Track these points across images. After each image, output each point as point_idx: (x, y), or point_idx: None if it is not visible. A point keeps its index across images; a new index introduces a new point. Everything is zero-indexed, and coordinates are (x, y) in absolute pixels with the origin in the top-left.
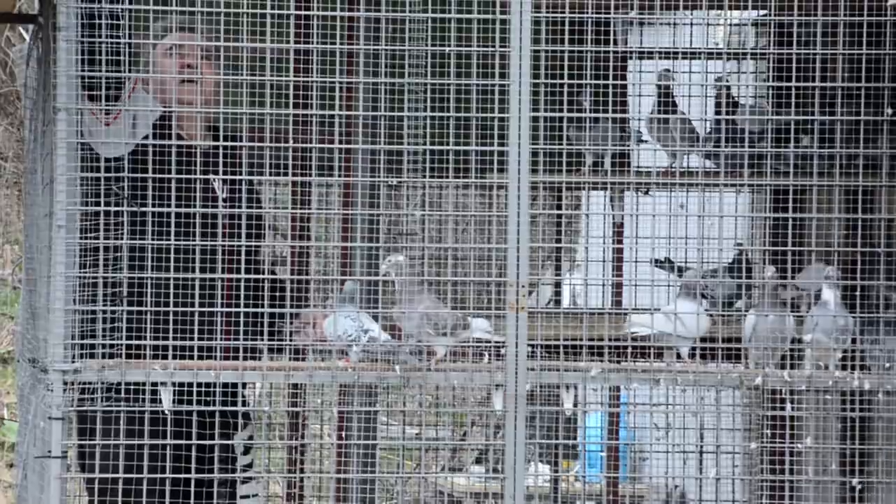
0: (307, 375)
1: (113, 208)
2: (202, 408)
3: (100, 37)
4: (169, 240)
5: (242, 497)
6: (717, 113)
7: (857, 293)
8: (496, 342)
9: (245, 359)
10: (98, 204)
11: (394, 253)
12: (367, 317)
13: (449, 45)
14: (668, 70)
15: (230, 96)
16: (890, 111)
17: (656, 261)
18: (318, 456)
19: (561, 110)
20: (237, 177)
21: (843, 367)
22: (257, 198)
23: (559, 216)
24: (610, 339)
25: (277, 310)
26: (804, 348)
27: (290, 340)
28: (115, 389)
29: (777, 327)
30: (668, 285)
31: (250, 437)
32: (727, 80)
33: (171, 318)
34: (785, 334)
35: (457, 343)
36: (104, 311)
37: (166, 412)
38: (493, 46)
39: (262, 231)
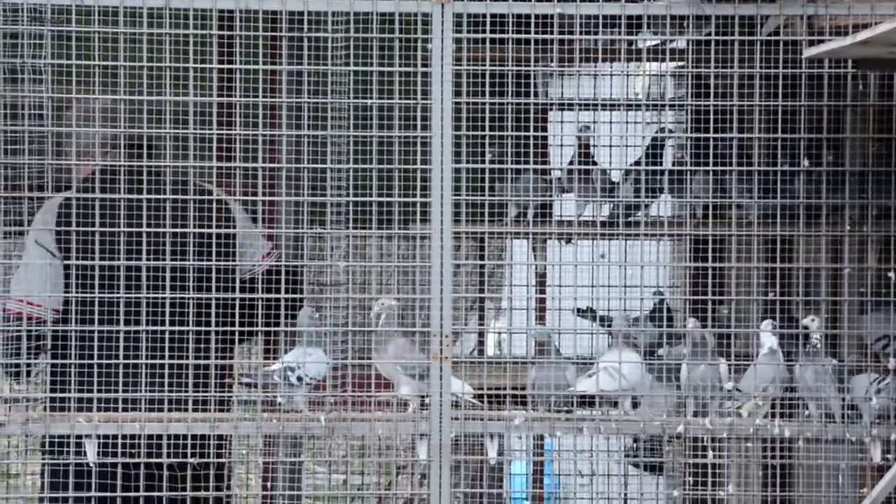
0: (232, 426)
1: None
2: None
3: (22, 91)
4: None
5: None
6: (638, 163)
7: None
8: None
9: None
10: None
11: (386, 296)
12: (306, 352)
13: (371, 98)
14: (587, 126)
15: (154, 148)
16: (806, 162)
17: (579, 310)
18: None
19: (483, 161)
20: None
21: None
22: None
23: (482, 266)
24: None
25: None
26: (747, 397)
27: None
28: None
29: (709, 375)
30: (592, 333)
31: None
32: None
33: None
34: (716, 382)
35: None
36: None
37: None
38: (415, 99)
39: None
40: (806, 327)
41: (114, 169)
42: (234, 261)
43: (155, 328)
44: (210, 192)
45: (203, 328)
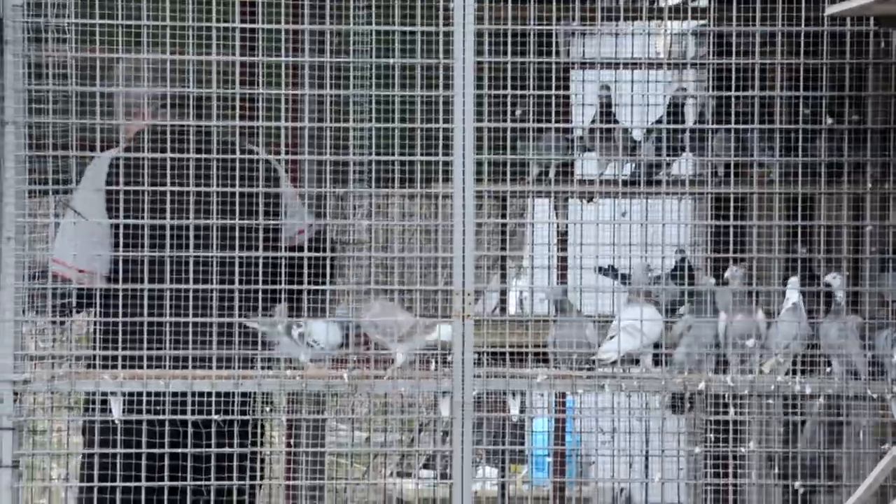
0: (256, 384)
1: (60, 220)
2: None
3: (47, 51)
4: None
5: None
6: (660, 121)
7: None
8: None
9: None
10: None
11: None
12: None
13: (393, 57)
14: (607, 86)
15: (177, 108)
16: (829, 120)
17: (600, 268)
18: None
19: (504, 120)
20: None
21: (787, 372)
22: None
23: (504, 225)
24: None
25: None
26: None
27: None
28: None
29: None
30: (613, 292)
31: None
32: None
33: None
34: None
35: (413, 349)
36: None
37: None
38: (437, 58)
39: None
40: (828, 285)
41: (159, 129)
42: (280, 224)
43: (198, 286)
44: (253, 153)
45: (245, 286)
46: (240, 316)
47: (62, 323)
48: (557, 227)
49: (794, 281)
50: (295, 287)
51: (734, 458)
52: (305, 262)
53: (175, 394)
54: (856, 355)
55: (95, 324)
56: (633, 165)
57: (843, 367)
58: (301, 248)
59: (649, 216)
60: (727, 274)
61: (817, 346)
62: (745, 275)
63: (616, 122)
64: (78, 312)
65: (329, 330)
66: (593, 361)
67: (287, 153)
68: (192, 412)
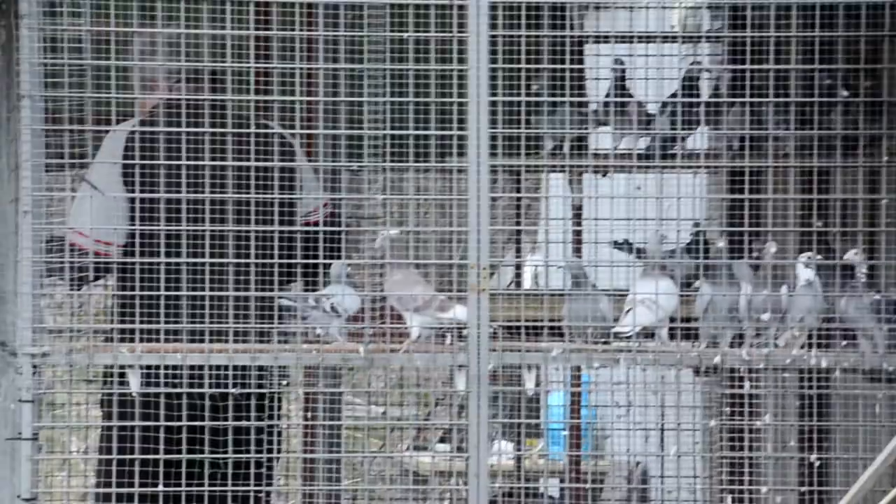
0: (273, 357)
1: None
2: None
3: (61, 24)
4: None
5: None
6: (674, 95)
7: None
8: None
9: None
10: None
11: (390, 228)
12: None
13: (407, 31)
14: (621, 59)
15: (192, 82)
16: (844, 93)
17: (615, 243)
18: (286, 436)
19: (519, 95)
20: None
21: (802, 346)
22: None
23: (519, 199)
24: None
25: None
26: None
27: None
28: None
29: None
30: (628, 266)
31: None
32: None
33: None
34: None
35: (425, 324)
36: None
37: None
38: (452, 32)
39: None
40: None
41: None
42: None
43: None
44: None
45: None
46: (257, 290)
47: (80, 296)
48: (572, 201)
49: (807, 256)
50: (311, 261)
51: (749, 431)
52: (321, 238)
53: (192, 367)
54: (876, 330)
55: (113, 297)
56: (648, 139)
57: (869, 343)
58: (317, 225)
59: (664, 190)
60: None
61: (832, 321)
62: (776, 253)
63: (631, 96)
64: (95, 285)
65: (351, 295)
66: (609, 335)
67: (302, 128)
68: (210, 385)
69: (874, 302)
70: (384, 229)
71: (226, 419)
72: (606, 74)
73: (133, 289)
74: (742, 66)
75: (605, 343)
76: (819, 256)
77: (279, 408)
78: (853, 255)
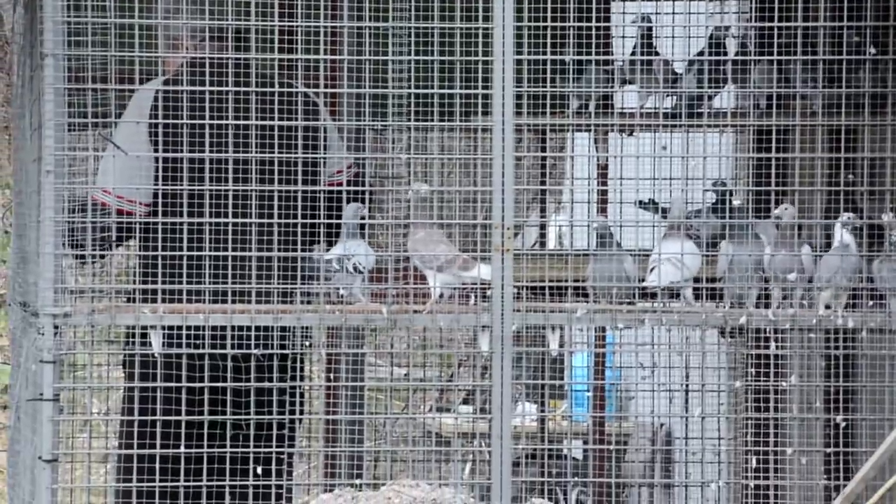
0: (296, 318)
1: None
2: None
3: None
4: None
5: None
6: (701, 53)
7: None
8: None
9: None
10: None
11: (418, 182)
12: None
13: None
14: (646, 16)
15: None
16: (872, 50)
17: (640, 202)
18: (308, 397)
19: (545, 53)
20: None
21: (828, 306)
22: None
23: (544, 158)
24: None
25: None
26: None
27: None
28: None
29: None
30: (653, 226)
31: None
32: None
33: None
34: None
35: (447, 284)
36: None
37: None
38: None
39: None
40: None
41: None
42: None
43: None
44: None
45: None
46: (280, 251)
47: (102, 256)
48: (598, 160)
49: (847, 216)
50: (335, 221)
51: (775, 392)
52: (344, 197)
53: (214, 328)
54: None
55: (136, 258)
56: (675, 98)
57: None
58: (341, 185)
59: (690, 149)
60: (776, 212)
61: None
62: (794, 214)
63: (657, 54)
64: (118, 246)
65: (370, 254)
66: (633, 295)
67: (326, 87)
68: (232, 346)
69: None
70: (414, 185)
71: (248, 380)
72: (632, 32)
73: (155, 249)
74: (769, 23)
75: (629, 303)
76: (856, 217)
77: (301, 369)
78: (888, 218)
